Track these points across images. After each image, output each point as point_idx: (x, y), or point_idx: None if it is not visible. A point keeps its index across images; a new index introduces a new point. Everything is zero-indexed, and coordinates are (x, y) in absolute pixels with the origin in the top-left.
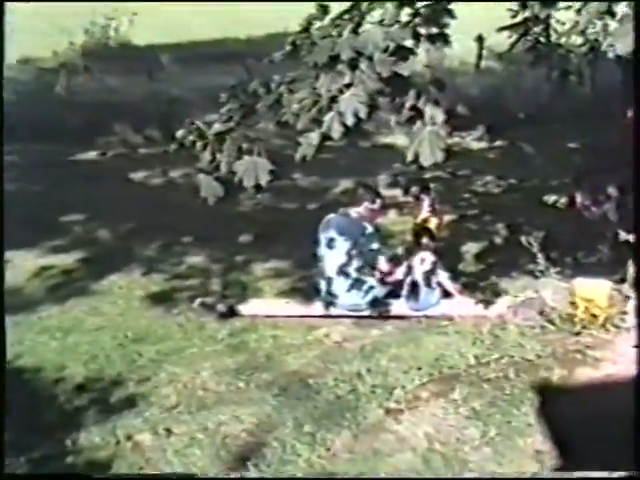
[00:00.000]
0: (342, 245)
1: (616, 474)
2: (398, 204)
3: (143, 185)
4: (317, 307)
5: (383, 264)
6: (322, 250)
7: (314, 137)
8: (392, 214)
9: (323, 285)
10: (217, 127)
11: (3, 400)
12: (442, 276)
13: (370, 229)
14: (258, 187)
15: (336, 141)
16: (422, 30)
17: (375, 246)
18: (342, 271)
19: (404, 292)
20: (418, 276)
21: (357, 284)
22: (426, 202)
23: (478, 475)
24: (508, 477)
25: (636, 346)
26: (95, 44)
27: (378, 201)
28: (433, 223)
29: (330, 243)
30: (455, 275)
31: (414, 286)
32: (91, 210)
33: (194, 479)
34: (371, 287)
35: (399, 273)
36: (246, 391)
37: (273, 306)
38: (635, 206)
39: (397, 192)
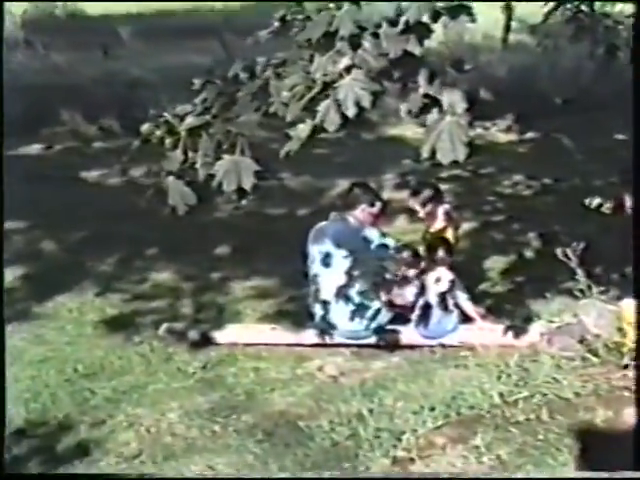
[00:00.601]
0: (341, 262)
1: (617, 474)
2: (408, 209)
3: (98, 186)
4: (309, 334)
5: (393, 284)
6: (316, 267)
7: (303, 129)
8: (401, 221)
9: (318, 310)
10: (190, 120)
11: (3, 400)
12: (461, 297)
13: (374, 238)
14: (241, 192)
15: (333, 133)
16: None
17: (382, 260)
18: (342, 294)
19: (415, 316)
20: (432, 297)
21: (361, 310)
22: (440, 209)
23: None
24: (508, 477)
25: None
26: (39, 14)
27: (377, 203)
28: (450, 233)
29: (326, 259)
30: (477, 296)
31: (427, 309)
32: (34, 216)
33: (203, 479)
34: (377, 311)
35: (409, 294)
36: (223, 436)
37: (255, 333)
38: (635, 206)
39: (406, 194)
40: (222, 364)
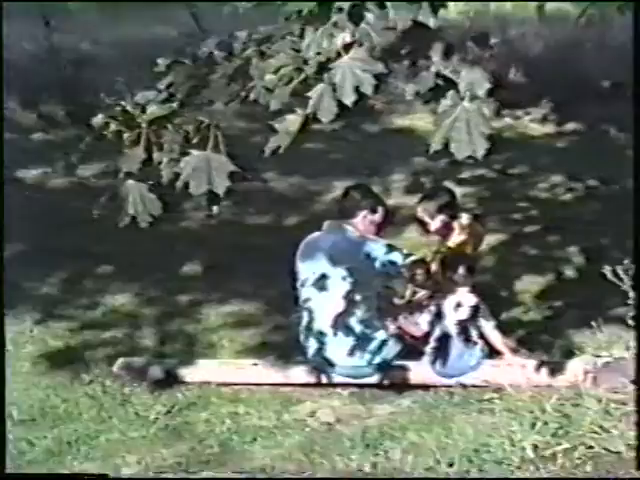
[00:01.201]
0: (338, 284)
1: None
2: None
3: (38, 187)
4: (298, 372)
5: (402, 310)
6: (307, 290)
7: (293, 121)
8: (412, 232)
9: (310, 343)
10: (153, 109)
11: (3, 401)
12: (486, 326)
13: (379, 254)
14: (213, 196)
15: (328, 124)
16: None
17: (389, 281)
18: (340, 323)
19: (429, 350)
20: (451, 326)
21: (363, 342)
22: (459, 219)
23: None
24: (509, 477)
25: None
26: None
27: (380, 209)
28: (472, 247)
29: (320, 280)
30: (506, 324)
31: (445, 341)
32: None
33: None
34: (382, 344)
35: (423, 322)
36: None
37: (233, 370)
38: (635, 206)
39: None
40: (191, 408)
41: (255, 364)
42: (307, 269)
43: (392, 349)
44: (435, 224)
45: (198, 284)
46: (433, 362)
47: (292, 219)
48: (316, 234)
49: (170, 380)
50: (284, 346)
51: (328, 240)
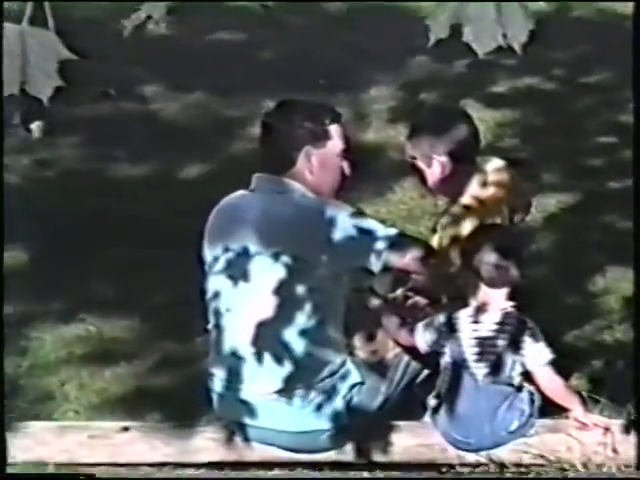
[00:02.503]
0: (268, 271)
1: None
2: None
3: None
4: (199, 441)
5: (383, 319)
6: (216, 280)
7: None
8: (405, 190)
9: (218, 379)
10: None
11: (2, 399)
12: (536, 357)
13: (341, 221)
14: (31, 107)
15: None
16: None
17: (360, 268)
18: (269, 339)
19: (432, 396)
20: (470, 354)
21: (307, 374)
22: (487, 166)
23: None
24: (509, 477)
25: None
26: None
27: (334, 129)
28: (506, 215)
29: (237, 265)
30: (572, 353)
31: (457, 378)
32: None
33: (199, 479)
34: (345, 376)
35: (420, 341)
36: None
37: (85, 440)
38: (635, 206)
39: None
40: None
41: (125, 428)
42: (217, 248)
43: (362, 389)
44: (434, 172)
45: (28, 285)
46: (435, 415)
47: (191, 169)
48: (236, 195)
49: None
50: (179, 393)
51: (257, 205)
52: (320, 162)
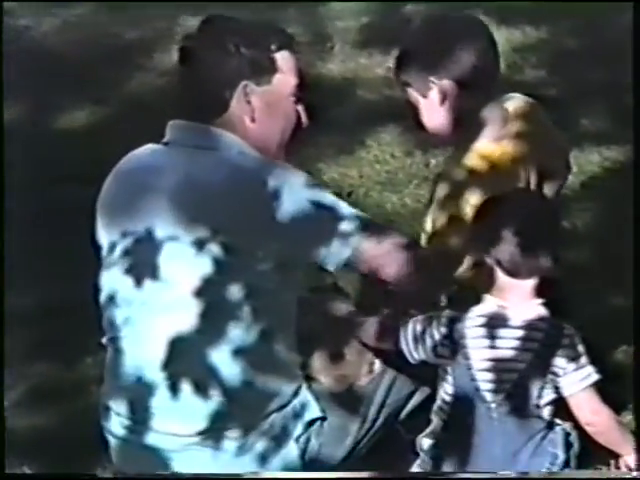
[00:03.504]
0: (186, 264)
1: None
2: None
3: None
4: None
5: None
6: (111, 276)
7: None
8: (387, 135)
9: (115, 420)
10: None
11: (2, 400)
12: (575, 384)
13: (297, 189)
14: None
15: None
16: None
17: (316, 261)
18: (187, 362)
19: (425, 435)
20: (479, 371)
21: (243, 411)
22: (507, 104)
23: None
24: (509, 477)
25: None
26: None
27: (283, 57)
28: (533, 176)
29: (137, 253)
30: (617, 371)
31: (465, 410)
32: None
33: (198, 479)
34: (301, 411)
35: (411, 350)
36: None
37: None
38: (635, 207)
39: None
40: None
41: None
42: (114, 232)
43: (328, 428)
44: (432, 102)
45: None
46: (433, 464)
47: (76, 114)
48: (142, 152)
49: None
50: (60, 436)
51: (172, 167)
52: (264, 104)
